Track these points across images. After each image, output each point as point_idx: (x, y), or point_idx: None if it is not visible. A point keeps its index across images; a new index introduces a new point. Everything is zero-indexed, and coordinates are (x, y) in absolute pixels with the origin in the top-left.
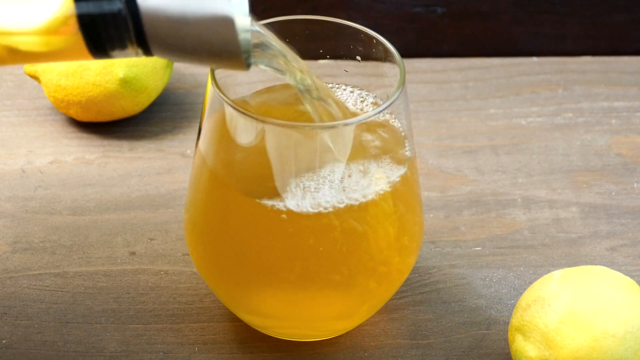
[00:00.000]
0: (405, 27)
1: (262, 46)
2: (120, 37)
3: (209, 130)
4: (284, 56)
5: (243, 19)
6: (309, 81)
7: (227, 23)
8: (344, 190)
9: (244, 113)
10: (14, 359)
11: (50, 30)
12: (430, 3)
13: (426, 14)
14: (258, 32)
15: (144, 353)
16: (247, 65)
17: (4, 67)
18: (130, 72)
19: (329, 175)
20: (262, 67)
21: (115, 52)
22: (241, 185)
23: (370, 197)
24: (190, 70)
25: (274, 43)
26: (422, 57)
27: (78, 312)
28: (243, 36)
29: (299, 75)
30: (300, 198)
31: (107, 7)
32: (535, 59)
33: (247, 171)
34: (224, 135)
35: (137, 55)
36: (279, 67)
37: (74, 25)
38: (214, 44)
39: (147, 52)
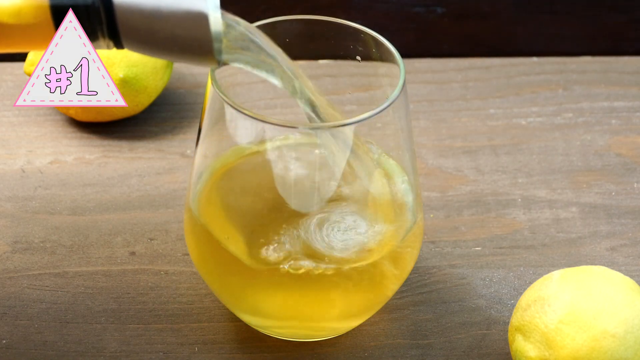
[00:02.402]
0: (405, 27)
1: (235, 42)
2: (92, 29)
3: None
4: (261, 51)
5: (216, 15)
6: (290, 77)
7: (201, 19)
8: (344, 251)
9: (243, 113)
10: (14, 359)
11: (22, 16)
12: (430, 3)
13: (426, 14)
14: (231, 26)
15: (144, 353)
16: (218, 62)
17: (1, 64)
18: (130, 72)
19: (330, 232)
20: (234, 64)
21: None
22: (234, 241)
23: (368, 260)
24: (190, 70)
25: (251, 37)
26: (422, 57)
27: (78, 312)
28: (215, 32)
29: (277, 71)
30: (294, 255)
31: None
32: (535, 59)
33: (240, 223)
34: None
35: (108, 47)
36: (252, 63)
37: (46, 14)
38: (186, 39)
39: (119, 45)
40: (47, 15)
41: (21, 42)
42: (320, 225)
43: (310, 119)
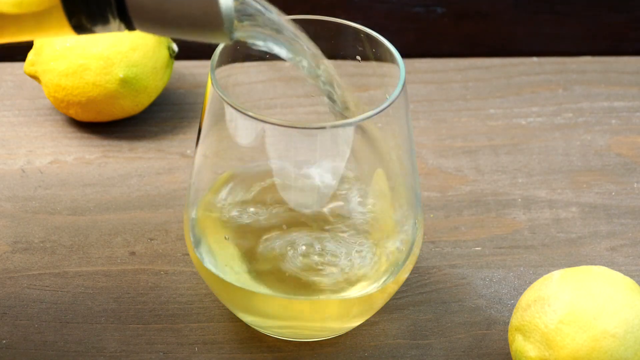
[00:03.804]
0: (405, 27)
1: (248, 17)
2: (102, 11)
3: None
4: (275, 28)
5: None
6: (305, 57)
7: None
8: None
9: (243, 113)
10: (14, 359)
11: (24, 5)
12: (430, 3)
13: (426, 14)
14: (245, 2)
15: (144, 353)
16: (230, 39)
17: (2, 64)
18: (130, 72)
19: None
20: (248, 40)
21: (98, 27)
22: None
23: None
24: (190, 70)
25: (264, 12)
26: (422, 57)
27: (78, 312)
28: (226, 8)
29: (294, 48)
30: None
31: None
32: (535, 59)
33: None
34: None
35: (119, 29)
36: (265, 40)
37: (56, 1)
38: (196, 17)
39: (130, 26)
40: (55, 2)
41: (27, 31)
42: (320, 253)
43: (329, 103)
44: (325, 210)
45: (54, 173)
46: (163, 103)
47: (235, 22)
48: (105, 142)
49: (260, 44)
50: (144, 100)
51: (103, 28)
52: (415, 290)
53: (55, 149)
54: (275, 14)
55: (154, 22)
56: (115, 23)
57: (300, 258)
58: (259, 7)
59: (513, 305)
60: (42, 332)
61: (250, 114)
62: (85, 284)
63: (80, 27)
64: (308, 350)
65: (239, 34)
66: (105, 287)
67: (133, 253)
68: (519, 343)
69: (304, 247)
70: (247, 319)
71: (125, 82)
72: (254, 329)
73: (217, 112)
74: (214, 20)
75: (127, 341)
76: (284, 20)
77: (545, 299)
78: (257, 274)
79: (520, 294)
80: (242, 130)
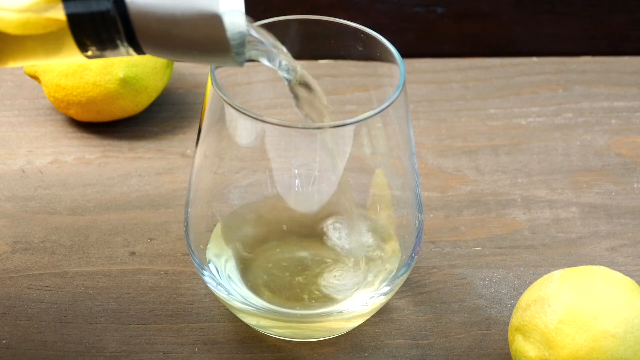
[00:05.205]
0: (405, 27)
1: (256, 43)
2: (111, 37)
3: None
4: (279, 54)
5: (234, 17)
6: (304, 79)
7: (215, 21)
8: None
9: (243, 113)
10: (14, 359)
11: (39, 29)
12: (430, 3)
13: (426, 14)
14: (250, 30)
15: (144, 353)
16: (240, 63)
17: (3, 67)
18: (130, 72)
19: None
20: (261, 61)
21: (107, 52)
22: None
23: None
24: (190, 70)
25: (268, 42)
26: (422, 57)
27: (78, 312)
28: (234, 34)
29: (297, 72)
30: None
31: (95, 8)
32: (535, 59)
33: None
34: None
35: (128, 54)
36: (275, 65)
37: (61, 25)
38: (203, 42)
39: (139, 51)
40: (62, 26)
41: (33, 54)
42: (319, 262)
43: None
44: (324, 214)
45: (54, 173)
46: (163, 103)
47: (245, 47)
48: (105, 142)
49: (272, 68)
50: (144, 100)
51: (112, 53)
52: (415, 290)
53: (55, 149)
54: (278, 46)
55: (163, 47)
56: (124, 48)
57: (299, 269)
58: (265, 37)
59: (513, 305)
60: (42, 332)
61: (250, 114)
62: (85, 284)
63: (88, 52)
64: (308, 350)
65: (248, 56)
66: (105, 287)
67: (133, 253)
68: (519, 343)
69: (302, 257)
70: (247, 320)
71: (125, 82)
72: (254, 329)
73: (217, 112)
74: (222, 47)
75: (127, 341)
76: (273, 42)
77: (545, 299)
78: (257, 287)
79: (520, 294)
80: (242, 130)
